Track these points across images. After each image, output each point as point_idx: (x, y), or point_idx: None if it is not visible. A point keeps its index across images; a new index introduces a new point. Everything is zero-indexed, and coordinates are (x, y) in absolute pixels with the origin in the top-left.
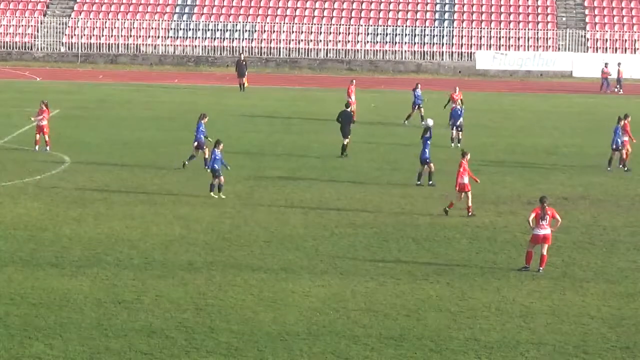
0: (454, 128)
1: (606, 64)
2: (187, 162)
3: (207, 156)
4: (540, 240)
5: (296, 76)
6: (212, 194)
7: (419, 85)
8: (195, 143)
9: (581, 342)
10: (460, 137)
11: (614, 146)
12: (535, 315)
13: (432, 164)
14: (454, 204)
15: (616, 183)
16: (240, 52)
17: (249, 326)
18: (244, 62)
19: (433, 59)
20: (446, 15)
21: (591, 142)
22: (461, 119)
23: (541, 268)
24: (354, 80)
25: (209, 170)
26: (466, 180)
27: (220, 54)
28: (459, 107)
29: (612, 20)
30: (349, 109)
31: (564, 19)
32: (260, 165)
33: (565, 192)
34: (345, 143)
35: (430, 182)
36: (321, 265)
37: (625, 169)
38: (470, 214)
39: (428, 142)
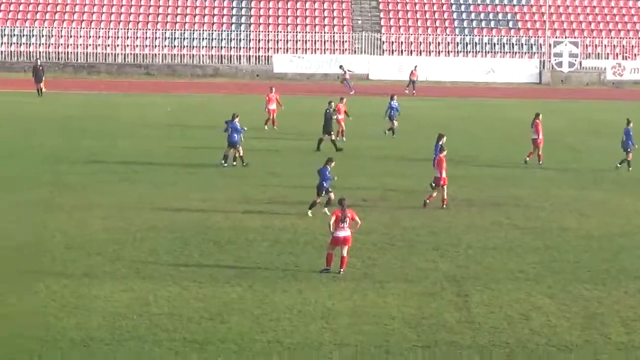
0: None
1: (415, 67)
2: (224, 163)
3: (242, 154)
4: (340, 242)
5: (94, 81)
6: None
7: (395, 97)
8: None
9: (383, 342)
10: None
11: (627, 148)
12: (337, 316)
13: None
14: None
15: (413, 184)
16: (37, 57)
17: (52, 332)
18: (41, 67)
19: (231, 62)
20: (243, 19)
21: (388, 143)
22: None
23: (342, 270)
24: (273, 88)
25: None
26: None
27: (17, 59)
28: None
29: (407, 23)
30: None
31: (359, 22)
32: (59, 170)
33: (364, 194)
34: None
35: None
36: (123, 270)
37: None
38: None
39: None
